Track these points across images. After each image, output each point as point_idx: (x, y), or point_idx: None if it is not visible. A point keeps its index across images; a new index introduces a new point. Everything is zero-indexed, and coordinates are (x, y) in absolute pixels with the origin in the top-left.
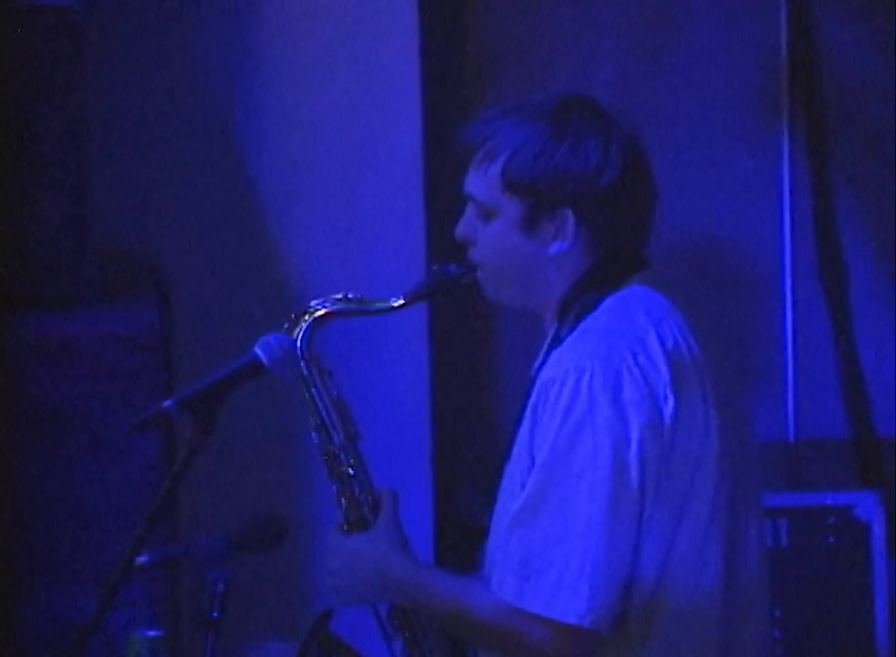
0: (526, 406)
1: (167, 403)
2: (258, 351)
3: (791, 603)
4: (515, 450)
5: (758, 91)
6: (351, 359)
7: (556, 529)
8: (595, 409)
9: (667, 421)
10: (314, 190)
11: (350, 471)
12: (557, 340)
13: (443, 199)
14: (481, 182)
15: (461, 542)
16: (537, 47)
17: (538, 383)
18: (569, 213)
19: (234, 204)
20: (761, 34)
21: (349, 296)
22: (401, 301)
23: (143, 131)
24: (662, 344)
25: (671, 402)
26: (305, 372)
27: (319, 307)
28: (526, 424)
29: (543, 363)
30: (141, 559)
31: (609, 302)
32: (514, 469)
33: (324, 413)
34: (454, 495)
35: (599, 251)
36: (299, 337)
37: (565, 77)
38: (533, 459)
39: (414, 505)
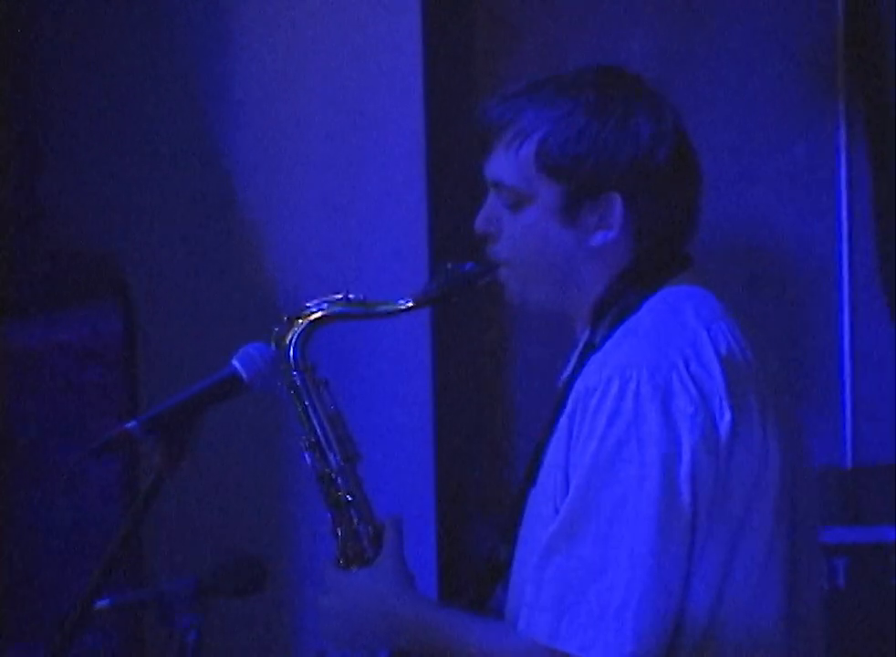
0: (555, 421)
1: (130, 424)
2: (237, 364)
3: (848, 653)
4: (545, 470)
5: (811, 68)
6: (346, 371)
7: (596, 558)
8: (642, 421)
9: (723, 437)
10: (300, 179)
11: (348, 497)
12: (592, 347)
13: (448, 189)
14: (511, 164)
15: (470, 580)
16: (556, 18)
17: (574, 393)
18: (617, 199)
19: (209, 196)
20: (815, 3)
21: (350, 297)
22: (410, 303)
23: (102, 118)
24: (716, 349)
25: (727, 416)
26: (298, 383)
27: (315, 309)
28: (559, 440)
29: (575, 373)
30: (101, 604)
31: (652, 303)
32: (544, 491)
33: (319, 431)
34: (462, 525)
35: (642, 244)
36: (292, 343)
37: (588, 51)
38: (568, 479)
39: (417, 537)
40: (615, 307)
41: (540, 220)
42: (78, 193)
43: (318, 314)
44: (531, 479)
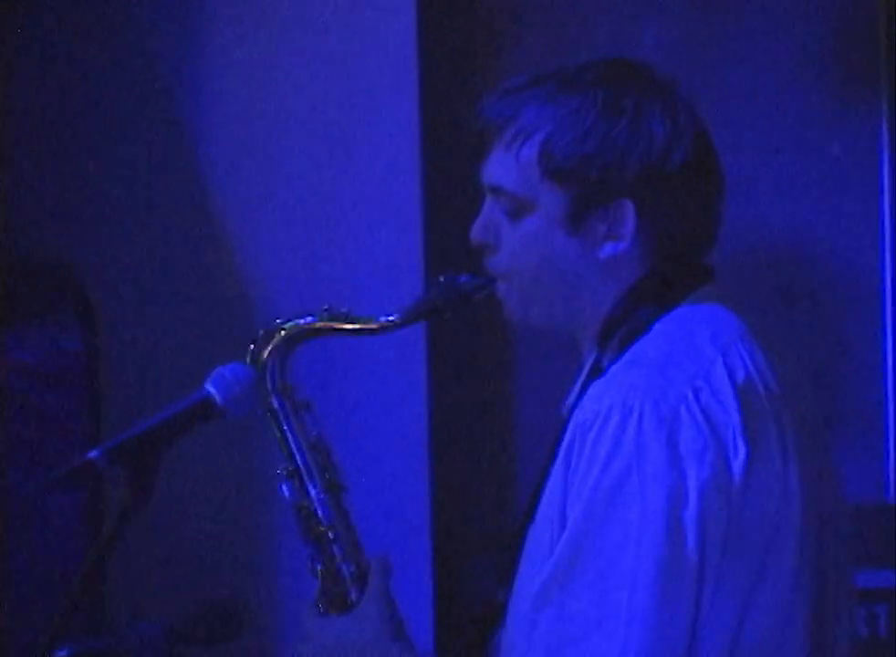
0: (555, 453)
1: (93, 454)
2: (210, 388)
3: None
4: (542, 508)
5: (850, 60)
6: (331, 393)
7: (590, 611)
8: (644, 458)
9: (736, 475)
10: (280, 184)
11: (330, 534)
12: (599, 371)
13: (445, 193)
14: (510, 168)
15: (467, 626)
16: (563, 7)
17: (572, 423)
18: (629, 206)
19: (180, 203)
20: None
21: (332, 311)
22: (397, 319)
23: (64, 118)
24: (732, 378)
25: (741, 452)
26: (275, 406)
27: (294, 324)
28: (556, 475)
29: (579, 399)
30: (60, 654)
31: (665, 322)
32: (540, 531)
33: (298, 459)
34: (459, 566)
35: (656, 256)
36: (268, 361)
37: (599, 41)
38: (565, 518)
39: (410, 579)
40: (624, 327)
41: (543, 229)
42: (34, 199)
43: (297, 329)
44: (530, 515)
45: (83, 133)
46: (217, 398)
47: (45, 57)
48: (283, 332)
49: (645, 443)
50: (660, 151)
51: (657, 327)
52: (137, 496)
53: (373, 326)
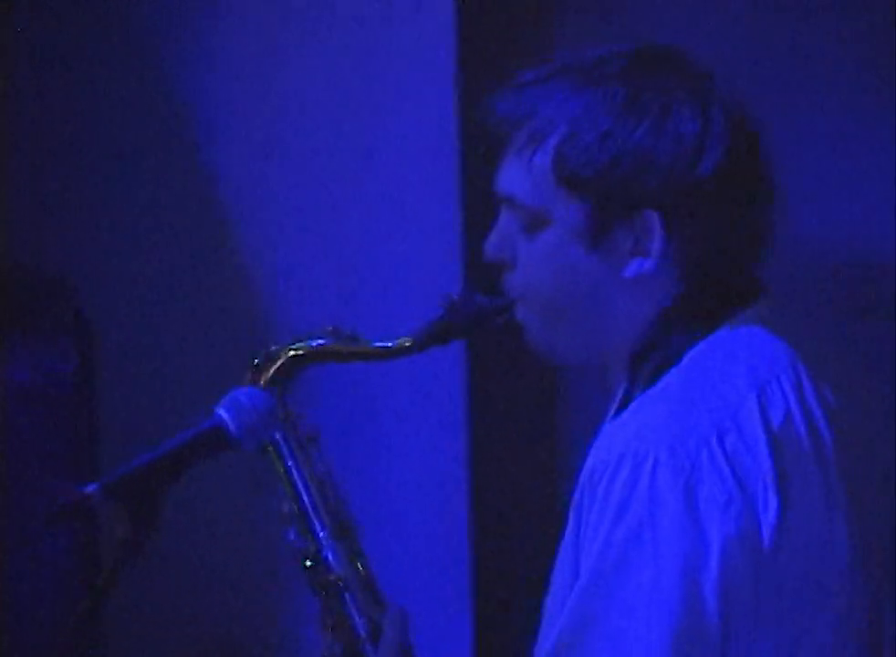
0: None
1: (90, 489)
2: (223, 414)
3: None
4: (557, 566)
5: None
6: (354, 421)
7: None
8: (659, 513)
9: (766, 532)
10: (291, 192)
11: (341, 583)
12: (628, 406)
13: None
14: (522, 176)
15: None
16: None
17: (582, 474)
18: (655, 218)
19: (183, 215)
20: None
21: (339, 332)
22: (409, 342)
23: (62, 131)
24: (766, 419)
25: (772, 506)
26: (278, 439)
27: (297, 346)
28: (569, 532)
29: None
30: None
31: (698, 351)
32: (556, 589)
33: (305, 499)
34: (503, 615)
35: (690, 273)
36: (268, 389)
37: (629, 23)
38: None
39: (449, 630)
40: (656, 356)
41: (560, 244)
42: (26, 208)
43: (299, 352)
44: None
45: (82, 146)
46: (231, 426)
47: (45, 66)
48: (287, 355)
49: (659, 496)
50: (688, 155)
51: (689, 355)
52: (138, 534)
53: (385, 350)
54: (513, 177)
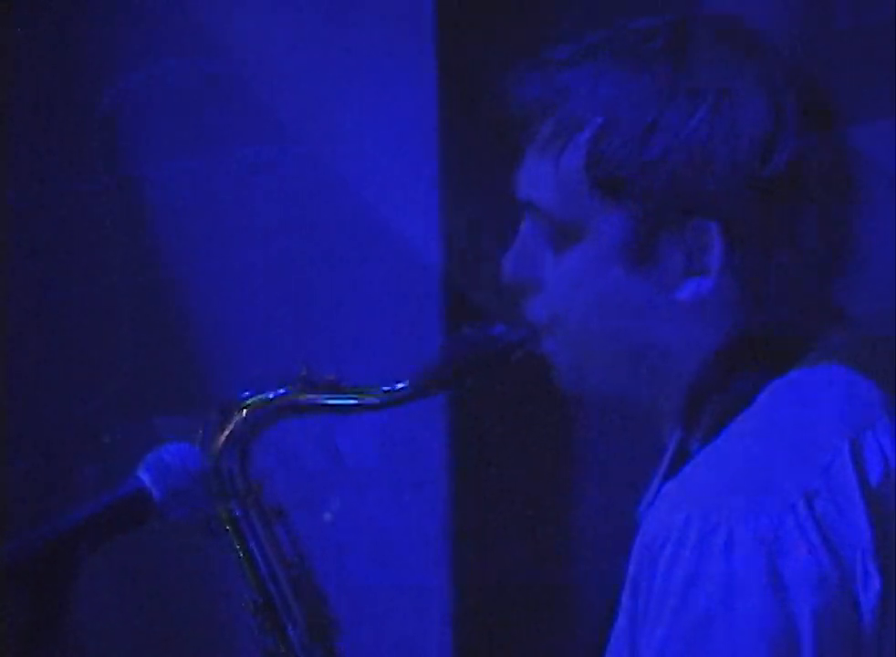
0: (626, 577)
1: None
2: (144, 477)
3: None
4: (613, 650)
5: None
6: (317, 490)
7: None
8: (736, 592)
9: (866, 615)
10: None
11: None
12: (685, 459)
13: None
14: (548, 178)
15: None
16: None
17: (639, 540)
18: (712, 229)
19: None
20: None
21: (314, 378)
22: (407, 390)
23: None
24: (863, 475)
25: (874, 585)
26: (236, 514)
27: (263, 397)
28: (624, 610)
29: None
30: None
31: (773, 394)
32: None
33: (272, 589)
34: None
35: (760, 296)
36: (226, 451)
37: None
38: None
39: None
40: (718, 399)
41: (596, 262)
42: None
43: (266, 406)
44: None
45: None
46: (153, 492)
47: None
48: (246, 410)
49: (737, 571)
50: (755, 150)
51: (762, 400)
52: (41, 621)
53: (375, 400)
54: (537, 179)
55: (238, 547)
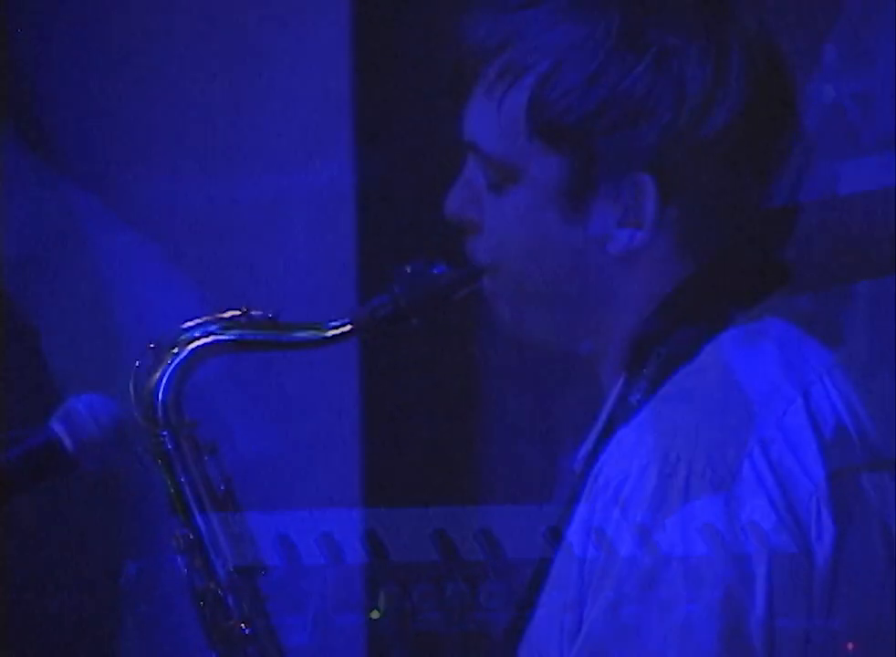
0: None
1: None
2: (55, 428)
3: None
4: (554, 580)
5: None
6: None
7: None
8: (694, 533)
9: (820, 559)
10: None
11: (244, 628)
12: (627, 409)
13: (377, 156)
14: (491, 119)
15: None
16: None
17: (596, 486)
18: (648, 182)
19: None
20: None
21: (253, 315)
22: (348, 327)
23: None
24: (817, 425)
25: (828, 532)
26: (168, 448)
27: (199, 334)
28: (572, 549)
29: (602, 449)
30: None
31: (718, 345)
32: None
33: (201, 523)
34: None
35: (699, 251)
36: (161, 386)
37: None
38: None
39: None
40: (660, 350)
41: (533, 207)
42: None
43: (204, 340)
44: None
45: None
46: (66, 441)
47: None
48: (186, 343)
49: (694, 515)
50: (694, 105)
51: (707, 351)
52: None
53: (312, 336)
54: (479, 120)
55: (168, 480)
